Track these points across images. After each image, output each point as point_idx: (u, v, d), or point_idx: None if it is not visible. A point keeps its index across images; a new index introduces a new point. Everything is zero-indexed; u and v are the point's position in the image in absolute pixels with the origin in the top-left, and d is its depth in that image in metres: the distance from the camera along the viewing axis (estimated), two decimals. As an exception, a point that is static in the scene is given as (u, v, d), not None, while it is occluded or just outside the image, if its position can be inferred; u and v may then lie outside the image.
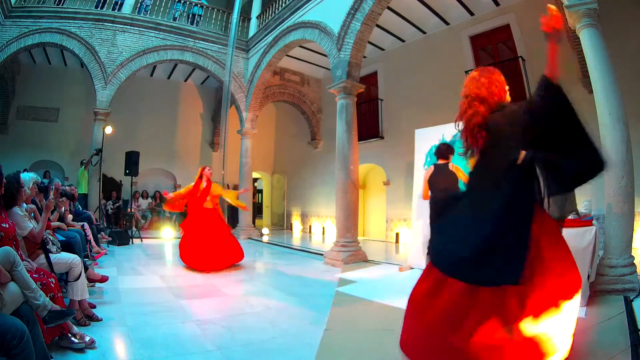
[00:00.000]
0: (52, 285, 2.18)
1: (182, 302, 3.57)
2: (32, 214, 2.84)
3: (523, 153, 1.64)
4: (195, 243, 5.09)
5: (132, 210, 9.15)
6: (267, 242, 9.00)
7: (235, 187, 10.80)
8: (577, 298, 1.62)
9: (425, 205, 5.39)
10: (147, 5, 9.27)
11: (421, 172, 5.46)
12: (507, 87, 1.80)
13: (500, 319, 1.49)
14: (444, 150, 4.27)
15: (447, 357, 1.57)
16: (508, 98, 1.79)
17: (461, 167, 4.25)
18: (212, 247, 5.02)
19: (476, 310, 1.53)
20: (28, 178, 2.95)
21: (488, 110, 1.69)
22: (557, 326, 1.53)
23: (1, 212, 2.25)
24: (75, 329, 2.29)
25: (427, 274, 1.78)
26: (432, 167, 4.33)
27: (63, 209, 4.27)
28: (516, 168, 1.64)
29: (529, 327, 1.48)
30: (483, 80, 1.74)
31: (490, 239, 1.59)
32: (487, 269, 1.56)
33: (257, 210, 14.34)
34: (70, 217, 4.63)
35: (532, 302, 1.51)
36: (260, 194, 15.44)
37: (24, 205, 2.78)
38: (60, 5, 8.42)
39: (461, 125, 1.78)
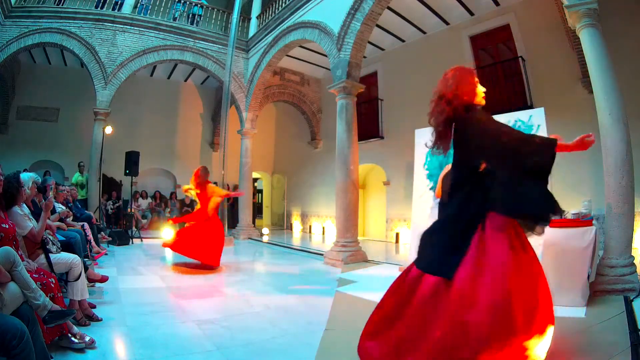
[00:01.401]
0: (52, 285, 2.17)
1: (182, 302, 3.57)
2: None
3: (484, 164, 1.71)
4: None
5: (132, 210, 9.15)
6: (267, 242, 9.00)
7: (235, 187, 10.81)
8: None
9: (422, 207, 5.41)
10: (147, 6, 9.27)
11: (421, 172, 5.46)
12: (481, 90, 1.84)
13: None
14: None
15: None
16: (480, 100, 1.83)
17: None
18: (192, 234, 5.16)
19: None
20: (27, 178, 2.94)
21: (453, 111, 1.75)
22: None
23: (1, 213, 2.25)
24: (75, 329, 2.29)
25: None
26: (448, 166, 4.32)
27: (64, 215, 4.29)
28: (475, 176, 1.71)
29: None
30: (451, 82, 1.81)
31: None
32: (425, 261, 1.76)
33: (257, 210, 14.33)
34: (70, 217, 4.63)
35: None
36: (260, 194, 15.44)
37: (24, 205, 2.78)
38: (60, 5, 8.41)
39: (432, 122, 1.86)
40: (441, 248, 1.72)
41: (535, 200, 1.60)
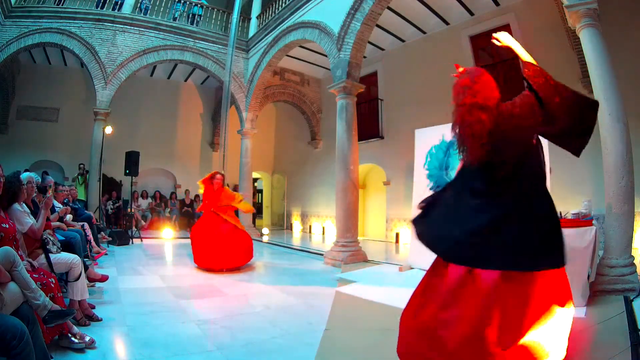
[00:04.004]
0: (52, 285, 2.17)
1: (182, 302, 3.57)
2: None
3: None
4: (202, 244, 5.15)
5: (132, 210, 9.15)
6: (267, 242, 9.00)
7: (235, 188, 10.80)
8: (570, 308, 1.65)
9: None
10: (147, 6, 9.28)
11: (421, 172, 5.46)
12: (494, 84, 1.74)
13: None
14: None
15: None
16: (497, 94, 1.71)
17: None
18: (216, 247, 5.02)
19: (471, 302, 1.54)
20: (23, 177, 2.94)
21: (491, 118, 1.59)
22: (548, 333, 1.54)
23: (1, 212, 2.25)
24: (75, 329, 2.29)
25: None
26: None
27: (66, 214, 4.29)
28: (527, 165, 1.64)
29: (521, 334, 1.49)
30: (477, 87, 1.65)
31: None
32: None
33: (257, 210, 14.33)
34: (70, 217, 4.63)
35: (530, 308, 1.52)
36: (260, 194, 15.43)
37: (24, 204, 2.79)
38: (60, 5, 8.42)
39: (456, 130, 1.67)
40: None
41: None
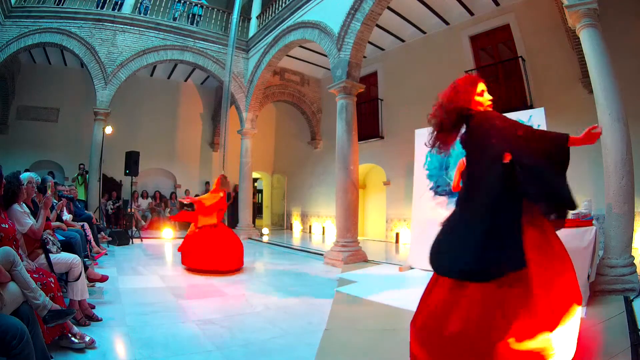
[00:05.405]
0: (52, 285, 2.17)
1: (182, 302, 3.57)
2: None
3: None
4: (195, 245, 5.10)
5: (132, 210, 9.15)
6: (267, 242, 9.00)
7: (236, 188, 10.79)
8: (579, 309, 1.65)
9: (422, 207, 5.39)
10: (147, 6, 9.28)
11: (421, 172, 5.46)
12: (486, 98, 1.90)
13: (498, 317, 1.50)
14: None
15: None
16: (481, 102, 1.88)
17: None
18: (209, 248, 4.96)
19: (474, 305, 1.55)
20: (23, 178, 2.94)
21: (446, 114, 1.85)
22: (556, 333, 1.54)
23: (1, 213, 2.25)
24: (75, 329, 2.29)
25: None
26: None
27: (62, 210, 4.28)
28: (498, 167, 1.68)
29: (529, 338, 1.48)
30: (449, 90, 1.91)
31: (481, 238, 1.61)
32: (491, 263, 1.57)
33: (257, 210, 14.33)
34: (70, 217, 4.63)
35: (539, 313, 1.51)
36: (260, 194, 15.43)
37: (24, 204, 2.78)
38: (60, 5, 8.42)
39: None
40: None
41: (566, 188, 1.62)
